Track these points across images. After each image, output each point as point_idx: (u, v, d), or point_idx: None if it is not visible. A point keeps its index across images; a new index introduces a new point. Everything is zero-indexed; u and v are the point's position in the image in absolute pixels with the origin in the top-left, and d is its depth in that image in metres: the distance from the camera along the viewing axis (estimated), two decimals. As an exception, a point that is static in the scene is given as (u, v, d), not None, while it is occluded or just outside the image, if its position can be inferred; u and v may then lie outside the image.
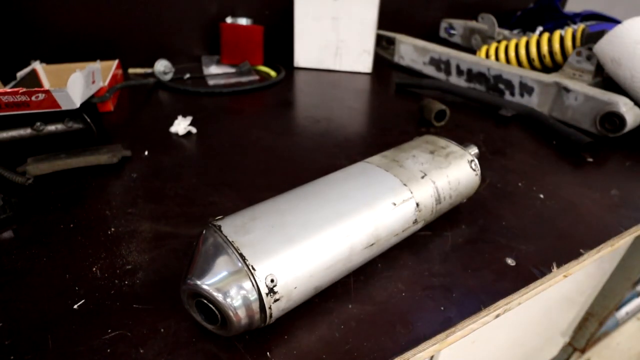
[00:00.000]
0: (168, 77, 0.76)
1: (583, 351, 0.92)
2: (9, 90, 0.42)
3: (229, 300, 0.23)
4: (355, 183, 0.32)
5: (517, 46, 0.79)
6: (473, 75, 0.74)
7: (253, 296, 0.24)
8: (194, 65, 0.86)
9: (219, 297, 0.23)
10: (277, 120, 0.63)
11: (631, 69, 0.55)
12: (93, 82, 0.52)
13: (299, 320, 0.28)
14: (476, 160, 0.38)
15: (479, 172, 0.38)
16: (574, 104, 0.59)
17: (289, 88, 0.78)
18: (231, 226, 0.26)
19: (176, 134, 0.55)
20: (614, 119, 0.54)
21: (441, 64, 0.80)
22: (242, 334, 0.27)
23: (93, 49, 0.79)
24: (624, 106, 0.53)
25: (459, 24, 1.07)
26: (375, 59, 0.87)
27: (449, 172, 0.35)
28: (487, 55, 0.82)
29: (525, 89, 0.66)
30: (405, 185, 0.33)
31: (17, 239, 0.35)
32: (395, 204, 0.31)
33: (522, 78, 0.66)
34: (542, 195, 0.44)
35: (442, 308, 0.30)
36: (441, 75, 0.81)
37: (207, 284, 0.24)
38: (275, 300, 0.25)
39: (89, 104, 0.50)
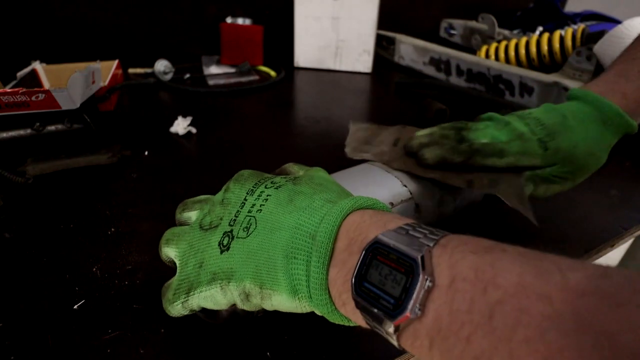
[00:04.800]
0: (168, 77, 0.76)
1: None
2: (9, 90, 0.42)
3: None
4: (355, 183, 0.32)
5: (517, 46, 0.79)
6: (473, 75, 0.74)
7: None
8: (194, 65, 0.86)
9: None
10: (277, 120, 0.63)
11: (631, 69, 0.55)
12: (93, 82, 0.52)
13: (299, 320, 0.28)
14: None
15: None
16: (574, 104, 0.59)
17: (289, 88, 0.78)
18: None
19: (176, 134, 0.55)
20: (614, 119, 0.54)
21: (441, 64, 0.80)
22: (242, 333, 0.27)
23: (93, 49, 0.79)
24: (624, 106, 0.53)
25: (459, 24, 1.07)
26: (375, 59, 0.87)
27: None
28: (487, 55, 0.82)
29: (525, 89, 0.66)
30: (405, 186, 0.33)
31: (17, 239, 0.35)
32: (392, 204, 0.31)
33: (522, 78, 0.65)
34: (542, 195, 0.44)
35: (442, 308, 0.29)
36: (441, 75, 0.81)
37: None
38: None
39: (89, 104, 0.50)
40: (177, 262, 0.26)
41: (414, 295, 0.16)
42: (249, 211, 0.24)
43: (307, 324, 0.28)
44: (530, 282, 0.14)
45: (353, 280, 0.19)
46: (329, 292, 0.20)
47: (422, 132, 0.37)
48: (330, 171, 0.35)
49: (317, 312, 0.22)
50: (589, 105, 0.35)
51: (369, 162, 0.36)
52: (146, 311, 0.28)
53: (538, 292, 0.14)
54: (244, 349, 0.26)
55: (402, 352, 0.26)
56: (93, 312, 0.28)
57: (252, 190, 0.26)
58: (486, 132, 0.35)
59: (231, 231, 0.24)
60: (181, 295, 0.24)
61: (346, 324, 0.21)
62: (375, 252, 0.18)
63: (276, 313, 0.27)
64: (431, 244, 0.17)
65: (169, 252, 0.26)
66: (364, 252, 0.19)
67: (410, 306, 0.16)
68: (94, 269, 0.32)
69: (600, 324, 0.12)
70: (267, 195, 0.25)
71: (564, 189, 0.35)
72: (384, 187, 0.32)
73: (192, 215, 0.28)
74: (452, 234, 0.19)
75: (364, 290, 0.18)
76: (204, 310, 0.25)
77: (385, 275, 0.17)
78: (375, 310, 0.17)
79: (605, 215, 0.41)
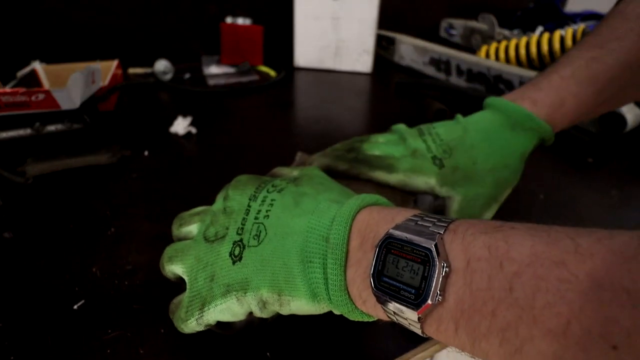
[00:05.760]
0: (168, 77, 0.76)
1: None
2: (9, 90, 0.42)
3: None
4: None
5: (517, 46, 0.79)
6: (473, 75, 0.74)
7: None
8: (194, 65, 0.86)
9: None
10: (277, 121, 0.63)
11: (631, 69, 0.55)
12: (93, 82, 0.52)
13: (299, 320, 0.28)
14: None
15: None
16: (574, 104, 0.59)
17: (289, 88, 0.78)
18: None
19: (176, 134, 0.55)
20: (614, 119, 0.54)
21: (441, 64, 0.80)
22: (242, 334, 0.27)
23: (93, 49, 0.79)
24: (624, 106, 0.53)
25: (459, 24, 1.07)
26: (375, 59, 0.87)
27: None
28: (487, 55, 0.82)
29: (525, 89, 0.66)
30: None
31: (17, 239, 0.35)
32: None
33: (522, 78, 0.65)
34: (542, 196, 0.44)
35: (442, 308, 0.29)
36: (441, 75, 0.81)
37: None
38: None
39: (89, 104, 0.50)
40: (186, 278, 0.25)
41: (434, 283, 0.17)
42: (256, 218, 0.24)
43: (307, 325, 0.28)
44: (543, 251, 0.15)
45: (372, 276, 0.19)
46: (348, 292, 0.20)
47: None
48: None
49: (336, 312, 0.22)
50: (497, 112, 0.34)
51: None
52: (146, 311, 0.28)
53: (552, 259, 0.15)
54: (243, 349, 0.26)
55: (402, 352, 0.26)
56: (93, 312, 0.28)
57: (254, 195, 0.25)
58: (381, 146, 0.34)
59: (241, 240, 0.24)
60: (194, 312, 0.24)
61: (366, 319, 0.21)
62: (389, 246, 0.19)
63: (279, 315, 0.27)
64: (442, 231, 0.18)
65: (175, 269, 0.26)
66: (377, 248, 0.19)
67: (431, 293, 0.17)
68: (94, 269, 0.32)
69: (614, 278, 0.13)
70: (272, 200, 0.24)
71: (493, 212, 0.34)
72: None
73: (193, 228, 0.27)
74: (459, 219, 0.19)
75: (383, 285, 0.18)
76: (217, 323, 0.25)
77: (402, 268, 0.18)
78: (398, 303, 0.18)
79: (605, 215, 0.41)
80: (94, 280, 0.31)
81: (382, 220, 0.21)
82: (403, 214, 0.21)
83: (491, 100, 0.35)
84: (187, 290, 0.25)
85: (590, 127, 0.58)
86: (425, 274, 0.17)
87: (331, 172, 0.32)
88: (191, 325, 0.24)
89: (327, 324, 0.28)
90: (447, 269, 0.17)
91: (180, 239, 0.28)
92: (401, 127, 0.36)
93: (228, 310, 0.23)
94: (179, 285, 0.26)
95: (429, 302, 0.17)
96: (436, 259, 0.17)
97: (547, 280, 0.14)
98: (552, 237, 0.15)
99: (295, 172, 0.28)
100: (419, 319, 0.17)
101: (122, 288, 0.30)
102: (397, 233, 0.19)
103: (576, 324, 0.13)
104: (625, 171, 0.50)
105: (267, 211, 0.24)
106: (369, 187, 0.33)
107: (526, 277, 0.15)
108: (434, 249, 0.17)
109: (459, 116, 0.36)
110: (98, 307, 0.29)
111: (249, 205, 0.25)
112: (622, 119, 0.53)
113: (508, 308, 0.15)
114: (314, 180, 0.26)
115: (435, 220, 0.19)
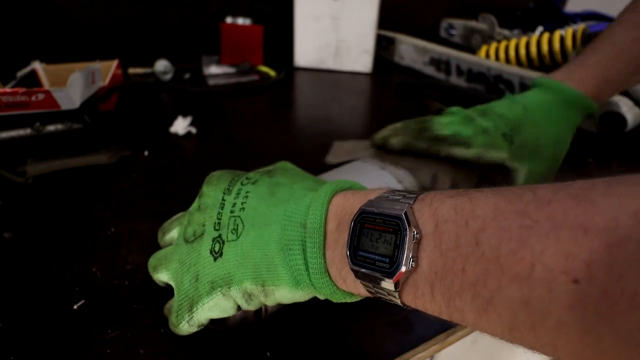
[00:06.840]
0: (168, 77, 0.76)
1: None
2: (9, 90, 0.42)
3: None
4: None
5: (517, 46, 0.79)
6: (473, 75, 0.74)
7: None
8: (194, 65, 0.86)
9: None
10: (277, 121, 0.63)
11: (631, 69, 0.55)
12: (93, 82, 0.52)
13: (299, 320, 0.28)
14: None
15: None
16: (574, 104, 0.59)
17: (289, 88, 0.78)
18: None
19: (176, 134, 0.55)
20: (614, 119, 0.54)
21: (441, 64, 0.80)
22: (241, 334, 0.27)
23: (93, 49, 0.79)
24: (624, 106, 0.53)
25: (459, 24, 1.07)
26: (375, 59, 0.87)
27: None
28: (487, 55, 0.82)
29: (526, 89, 0.65)
30: (400, 182, 0.33)
31: (17, 239, 0.35)
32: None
33: (522, 78, 0.65)
34: (542, 195, 0.44)
35: (442, 308, 0.29)
36: (441, 75, 0.81)
37: None
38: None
39: (89, 104, 0.50)
40: (173, 283, 0.25)
41: (406, 249, 0.17)
42: (232, 211, 0.24)
43: (307, 324, 0.28)
44: (505, 205, 0.16)
45: (348, 252, 0.19)
46: (328, 273, 0.21)
47: (386, 127, 0.39)
48: (327, 170, 0.35)
49: (320, 297, 0.22)
50: (550, 91, 0.38)
51: (361, 160, 0.36)
52: (146, 311, 0.28)
53: (514, 210, 0.15)
54: (243, 349, 0.26)
55: (402, 352, 0.26)
56: (93, 312, 0.28)
57: (228, 189, 0.25)
58: (450, 126, 0.37)
59: (219, 236, 0.24)
60: (185, 315, 0.24)
61: (349, 300, 0.22)
62: (363, 221, 0.19)
63: (278, 314, 0.27)
64: (411, 202, 0.19)
65: (161, 276, 0.26)
66: (352, 223, 0.20)
67: (404, 260, 0.17)
68: (94, 269, 0.32)
69: (571, 218, 0.14)
70: (247, 192, 0.24)
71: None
72: (379, 183, 0.32)
73: (174, 234, 0.27)
74: (429, 192, 0.20)
75: (359, 259, 0.19)
76: (211, 320, 0.25)
77: (376, 239, 0.19)
78: (373, 273, 0.18)
79: (606, 215, 0.41)
80: (94, 280, 0.31)
81: (357, 200, 0.21)
82: (376, 192, 0.21)
83: (541, 80, 0.40)
84: (175, 295, 0.25)
85: (590, 127, 0.58)
86: (398, 242, 0.18)
87: (409, 151, 0.36)
88: (184, 328, 0.24)
89: (328, 324, 0.28)
90: (418, 235, 0.17)
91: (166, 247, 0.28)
92: (458, 109, 0.39)
93: (216, 307, 0.23)
94: (172, 288, 0.26)
95: (403, 268, 0.17)
96: (406, 226, 0.17)
97: (510, 230, 0.15)
98: (514, 193, 0.16)
99: (269, 167, 0.28)
100: (395, 286, 0.18)
101: (122, 288, 0.30)
102: (368, 208, 0.20)
103: (539, 266, 0.14)
104: (626, 171, 0.50)
105: (242, 204, 0.24)
106: (447, 166, 0.36)
107: (491, 230, 0.15)
108: (404, 217, 0.18)
109: (511, 95, 0.40)
110: (98, 307, 0.29)
111: (223, 199, 0.25)
112: (622, 119, 0.53)
113: (476, 262, 0.15)
114: (287, 172, 0.26)
115: (405, 193, 0.20)
